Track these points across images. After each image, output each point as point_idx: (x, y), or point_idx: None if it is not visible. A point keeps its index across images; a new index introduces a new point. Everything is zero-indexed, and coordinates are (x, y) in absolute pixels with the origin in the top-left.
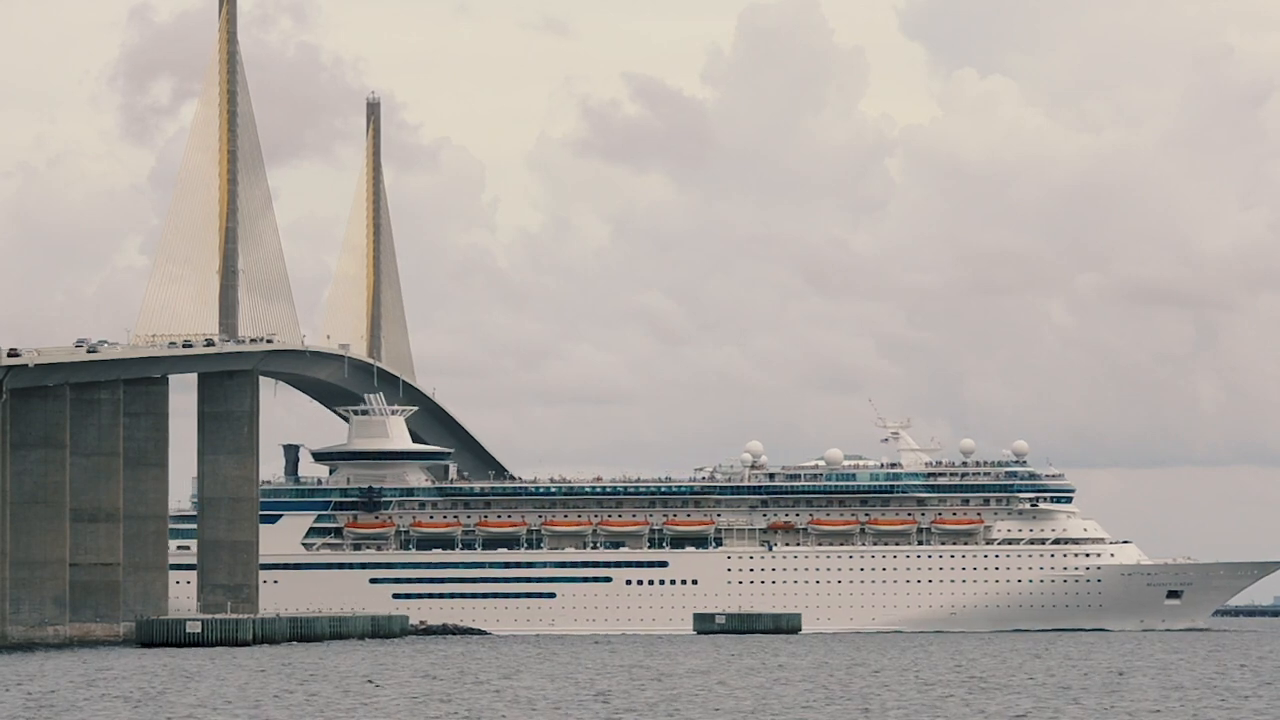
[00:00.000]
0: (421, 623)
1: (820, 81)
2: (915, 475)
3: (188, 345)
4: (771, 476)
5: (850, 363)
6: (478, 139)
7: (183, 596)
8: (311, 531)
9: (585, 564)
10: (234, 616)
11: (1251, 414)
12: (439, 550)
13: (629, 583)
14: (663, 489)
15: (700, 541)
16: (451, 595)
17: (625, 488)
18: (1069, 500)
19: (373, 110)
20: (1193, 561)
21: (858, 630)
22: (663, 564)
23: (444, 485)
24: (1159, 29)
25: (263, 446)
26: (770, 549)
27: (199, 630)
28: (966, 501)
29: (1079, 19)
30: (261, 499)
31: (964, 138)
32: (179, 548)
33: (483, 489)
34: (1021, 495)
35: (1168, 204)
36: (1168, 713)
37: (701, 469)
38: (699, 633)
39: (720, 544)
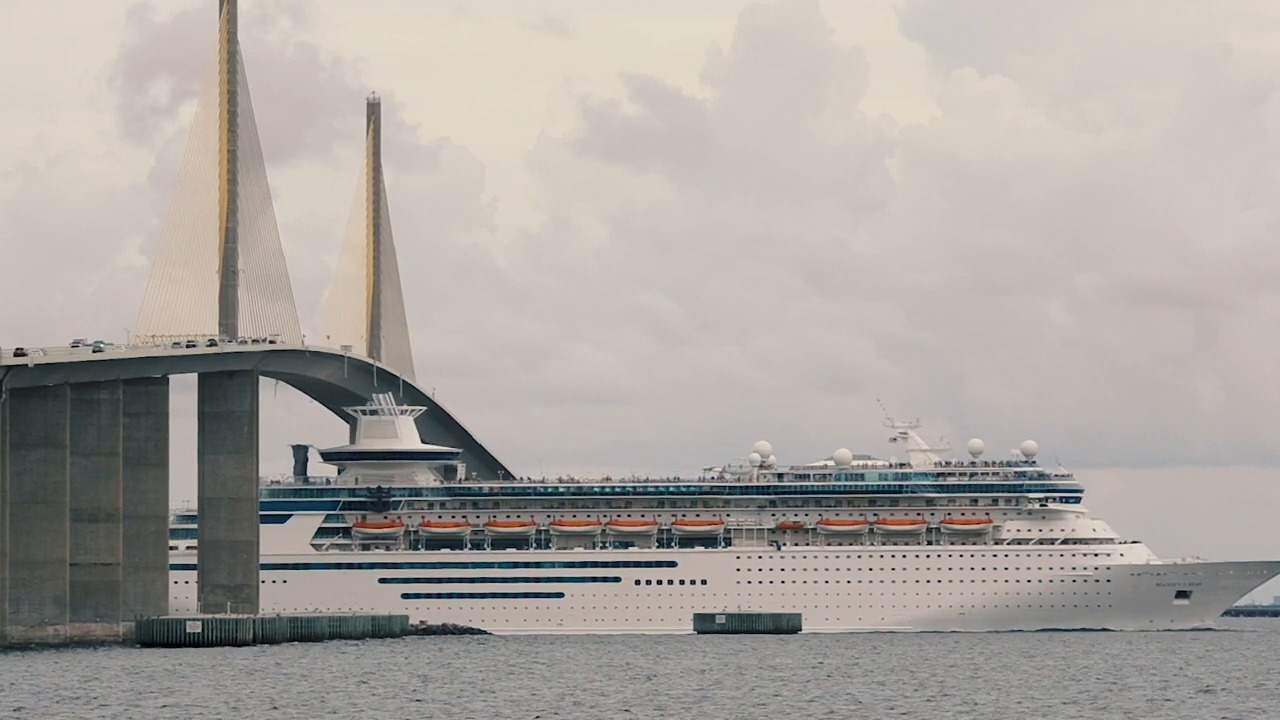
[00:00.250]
0: (421, 623)
1: (820, 81)
2: (924, 475)
3: (191, 345)
4: (780, 476)
5: (850, 363)
6: (477, 139)
7: (182, 596)
8: (320, 531)
9: (594, 564)
10: (234, 616)
11: (1251, 414)
12: (447, 550)
13: (638, 583)
14: (671, 489)
15: (709, 541)
16: (460, 595)
17: (634, 488)
18: (1078, 500)
19: (373, 110)
20: (1201, 561)
21: (871, 630)
22: (671, 564)
23: (452, 485)
24: (1159, 29)
25: (267, 446)
26: (779, 549)
27: (199, 630)
28: (975, 501)
29: (1079, 19)
30: (270, 499)
31: (964, 138)
32: (187, 548)
33: (491, 489)
34: (1030, 495)
35: (1168, 204)
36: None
37: (710, 469)
38: (699, 633)
39: (729, 544)
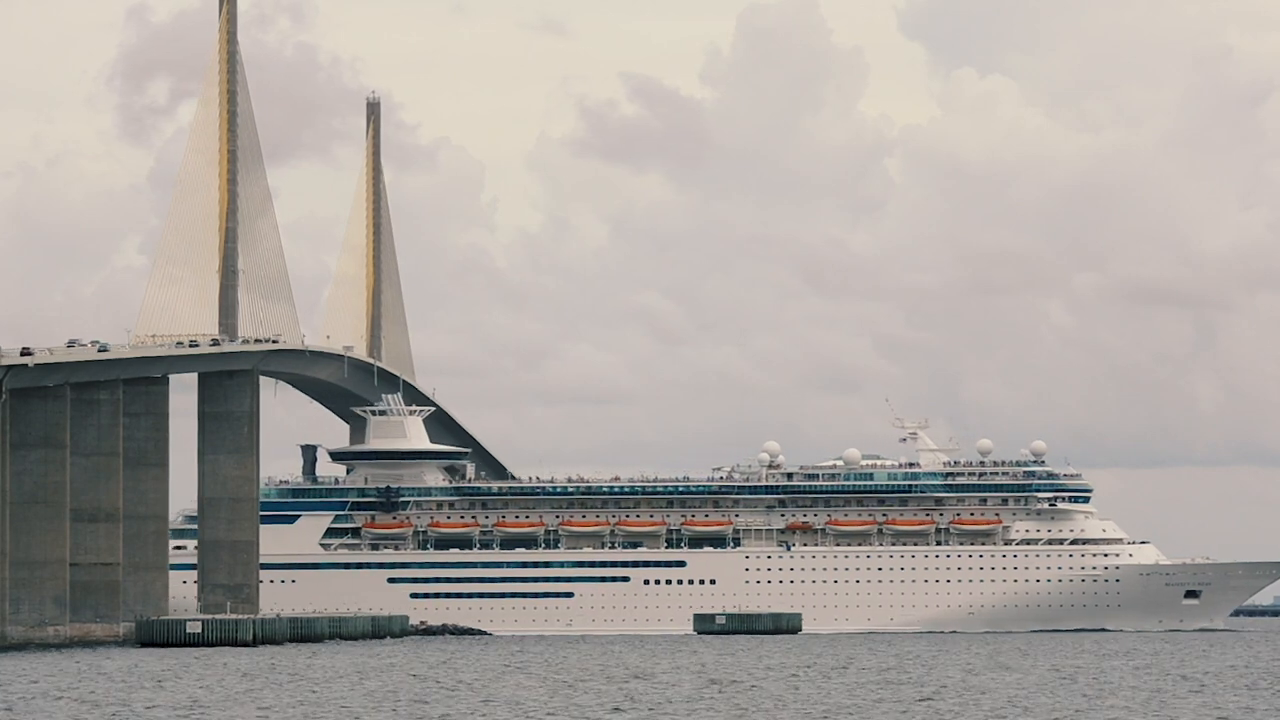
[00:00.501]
0: (422, 623)
1: (819, 81)
2: (933, 475)
3: (194, 345)
4: (789, 476)
5: (849, 363)
6: (477, 139)
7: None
8: (329, 531)
9: (603, 564)
10: (234, 617)
11: (1251, 414)
12: (456, 550)
13: (647, 583)
14: (680, 489)
15: (718, 541)
16: (469, 595)
17: (643, 488)
18: (1087, 500)
19: (373, 110)
20: (1211, 561)
21: (880, 631)
22: (680, 564)
23: (461, 485)
24: (1159, 29)
25: (272, 446)
26: (788, 549)
27: (199, 630)
28: (984, 501)
29: (1079, 19)
30: (279, 499)
31: (964, 138)
32: (195, 548)
33: (500, 489)
34: (1040, 495)
35: (1167, 204)
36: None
37: (719, 469)
38: (699, 633)
39: (738, 544)
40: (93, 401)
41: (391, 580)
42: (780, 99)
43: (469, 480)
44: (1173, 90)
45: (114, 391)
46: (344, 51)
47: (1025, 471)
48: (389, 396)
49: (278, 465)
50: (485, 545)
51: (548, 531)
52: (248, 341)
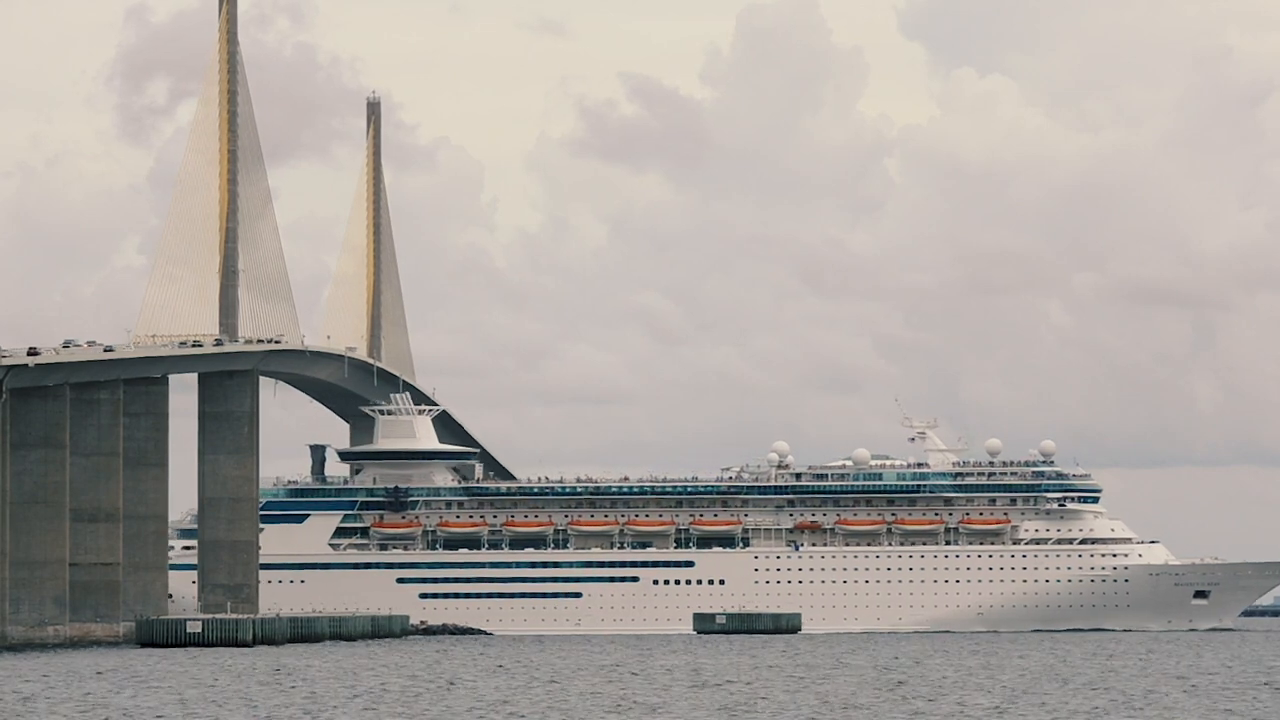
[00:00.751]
0: (422, 623)
1: (819, 81)
2: (942, 475)
3: (197, 345)
4: (798, 476)
5: (849, 363)
6: (476, 139)
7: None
8: (338, 531)
9: (612, 564)
10: (234, 617)
11: (1251, 414)
12: (465, 550)
13: (656, 583)
14: (689, 489)
15: (727, 541)
16: (478, 595)
17: (651, 488)
18: (1096, 500)
19: (373, 110)
20: (1220, 561)
21: (889, 631)
22: (689, 564)
23: (470, 485)
24: (1159, 29)
25: (279, 446)
26: (797, 549)
27: (199, 630)
28: (993, 501)
29: (1079, 19)
30: (288, 499)
31: (963, 138)
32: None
33: (509, 489)
34: (1049, 495)
35: (1167, 204)
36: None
37: (728, 469)
38: (699, 633)
39: (747, 544)
40: (93, 401)
41: (400, 580)
42: (780, 99)
43: (477, 480)
44: (1173, 90)
45: (114, 391)
46: (344, 51)
47: (1034, 471)
48: (397, 396)
49: (280, 465)
50: (494, 545)
51: (556, 531)
52: (251, 341)
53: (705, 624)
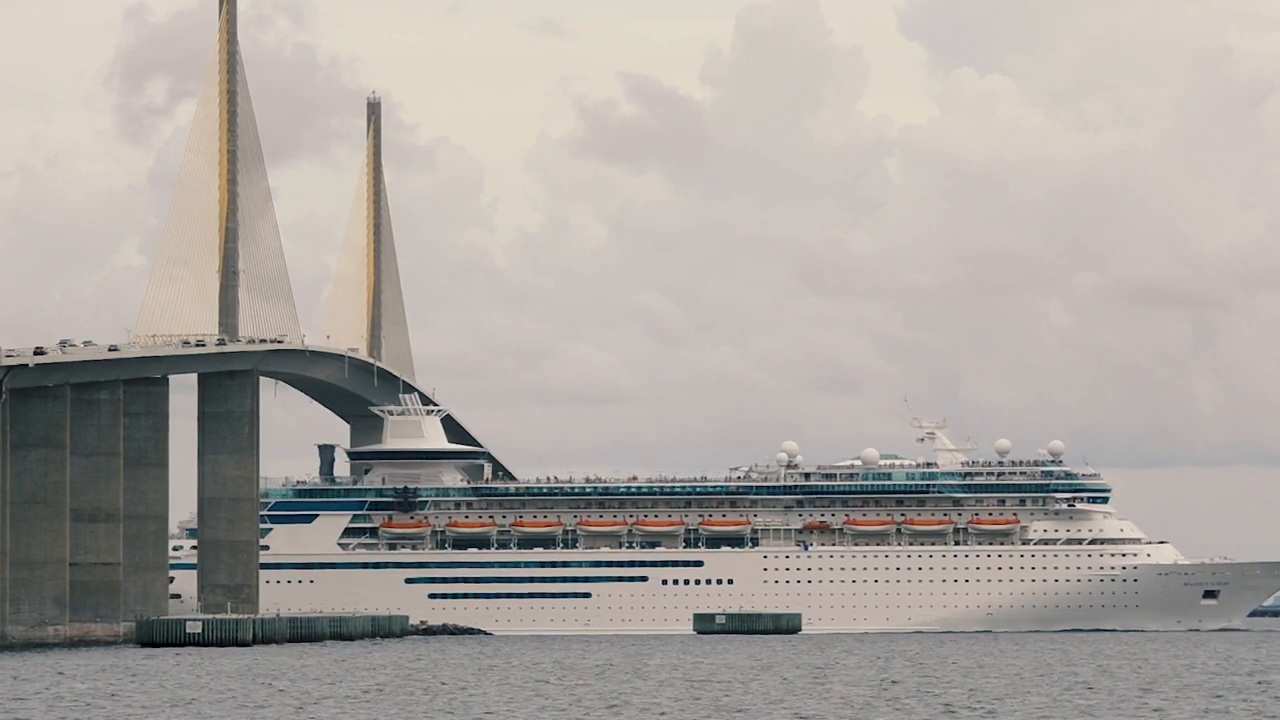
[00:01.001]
0: (422, 622)
1: (819, 81)
2: (951, 475)
3: (200, 345)
4: (807, 476)
5: (849, 363)
6: (476, 139)
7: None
8: (347, 531)
9: (621, 564)
10: (234, 617)
11: (1251, 414)
12: (474, 550)
13: (665, 583)
14: (698, 489)
15: (736, 541)
16: (487, 595)
17: (660, 488)
18: (1105, 500)
19: (373, 110)
20: (1230, 561)
21: (898, 631)
22: (698, 564)
23: (479, 485)
24: (1159, 29)
25: (272, 446)
26: (806, 549)
27: (199, 630)
28: (1003, 501)
29: (1079, 19)
30: (297, 499)
31: (963, 138)
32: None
33: (518, 489)
34: (1058, 495)
35: (1167, 204)
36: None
37: (737, 468)
38: (699, 633)
39: (756, 544)
40: (93, 401)
41: (409, 581)
42: (780, 99)
43: (486, 480)
44: (1173, 90)
45: (114, 391)
46: (343, 51)
47: (1043, 471)
48: (406, 396)
49: (280, 465)
50: (503, 545)
51: (565, 531)
52: (253, 341)
53: (705, 624)
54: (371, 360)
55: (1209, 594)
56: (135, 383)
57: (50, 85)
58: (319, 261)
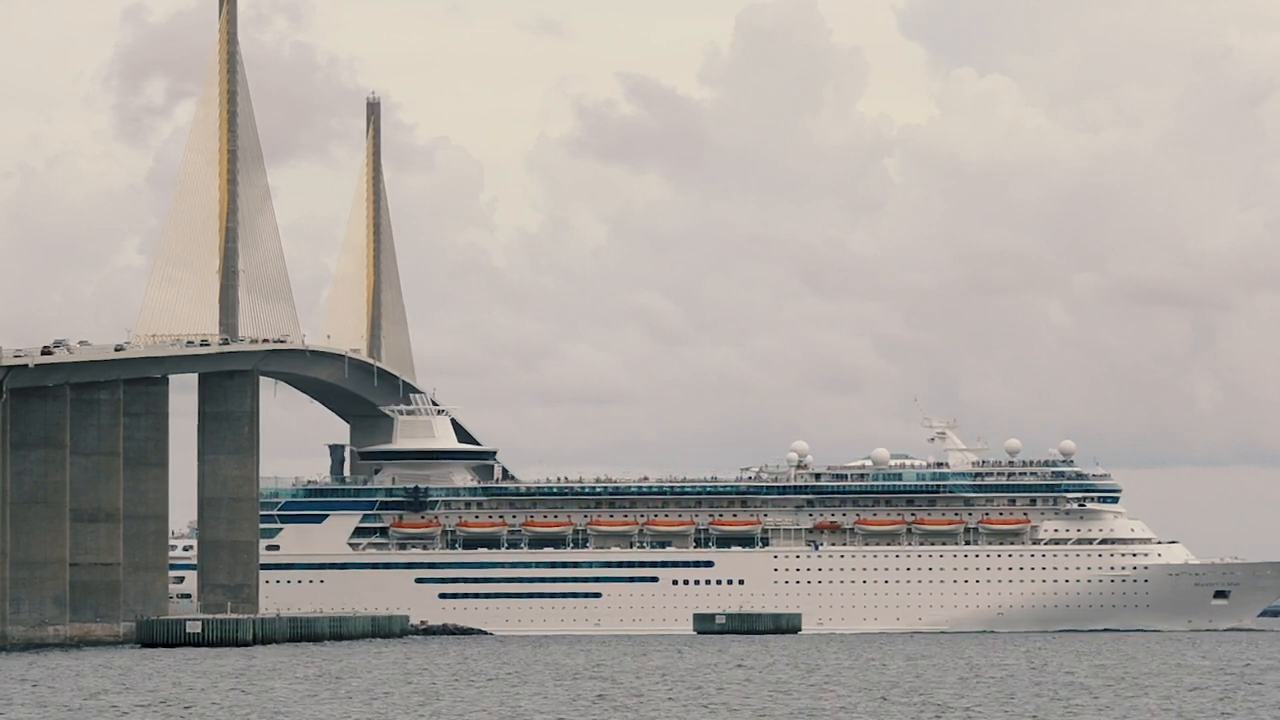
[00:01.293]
0: (422, 622)
1: (818, 81)
2: (962, 475)
3: (205, 344)
4: (818, 476)
5: (849, 363)
6: (475, 139)
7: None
8: (357, 531)
9: (631, 564)
10: (234, 616)
11: (1251, 414)
12: (485, 550)
13: (675, 583)
14: (708, 489)
15: (746, 541)
16: (497, 595)
17: (671, 488)
18: (1115, 500)
19: (372, 110)
20: (1240, 561)
21: (908, 631)
22: (709, 564)
23: (489, 485)
24: (1159, 29)
25: (272, 446)
26: (816, 549)
27: (199, 630)
28: (1013, 501)
29: (1079, 19)
30: (307, 499)
31: (963, 138)
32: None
33: (528, 489)
34: (1069, 495)
35: (1167, 204)
36: None
37: (747, 469)
38: (699, 633)
39: (766, 544)
40: (93, 401)
41: (419, 580)
42: (779, 99)
43: (496, 480)
44: (1173, 90)
45: (114, 391)
46: (342, 51)
47: (1054, 471)
48: (416, 396)
49: (283, 465)
50: (513, 545)
51: (576, 531)
52: (253, 341)
53: (705, 624)
54: (372, 360)
55: (1220, 594)
56: (135, 383)
57: (50, 85)
58: (319, 261)
